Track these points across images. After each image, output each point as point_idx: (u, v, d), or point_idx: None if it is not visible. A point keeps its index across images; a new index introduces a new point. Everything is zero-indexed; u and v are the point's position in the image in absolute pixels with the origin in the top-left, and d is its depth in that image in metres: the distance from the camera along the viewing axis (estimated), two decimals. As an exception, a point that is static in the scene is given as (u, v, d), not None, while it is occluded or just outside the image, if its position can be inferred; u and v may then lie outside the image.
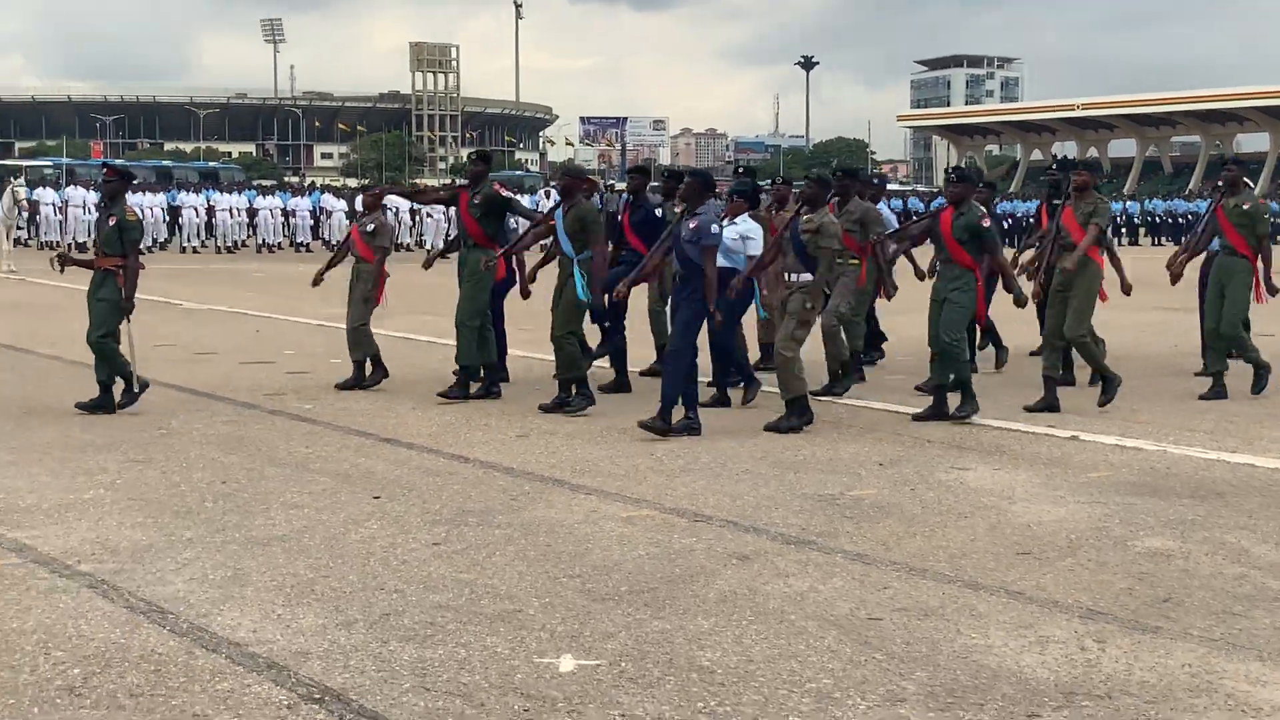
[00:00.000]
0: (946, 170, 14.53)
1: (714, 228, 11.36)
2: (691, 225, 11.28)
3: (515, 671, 5.82)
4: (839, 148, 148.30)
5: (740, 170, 14.92)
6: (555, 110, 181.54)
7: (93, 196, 43.13)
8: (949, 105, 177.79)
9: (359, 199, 15.18)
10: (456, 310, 13.14)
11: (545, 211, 14.69)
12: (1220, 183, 14.34)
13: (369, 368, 13.69)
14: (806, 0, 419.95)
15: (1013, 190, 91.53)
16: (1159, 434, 11.55)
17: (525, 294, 13.60)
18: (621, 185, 27.75)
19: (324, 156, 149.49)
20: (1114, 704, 5.55)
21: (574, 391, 12.32)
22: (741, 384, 12.91)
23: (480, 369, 13.20)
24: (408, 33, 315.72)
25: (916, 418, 12.00)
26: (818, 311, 11.93)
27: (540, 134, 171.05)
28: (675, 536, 8.16)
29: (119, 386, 11.98)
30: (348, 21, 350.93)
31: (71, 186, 46.66)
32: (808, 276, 11.67)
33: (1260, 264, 13.54)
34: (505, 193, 13.60)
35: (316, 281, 14.41)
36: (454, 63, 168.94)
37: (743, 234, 12.35)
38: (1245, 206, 13.48)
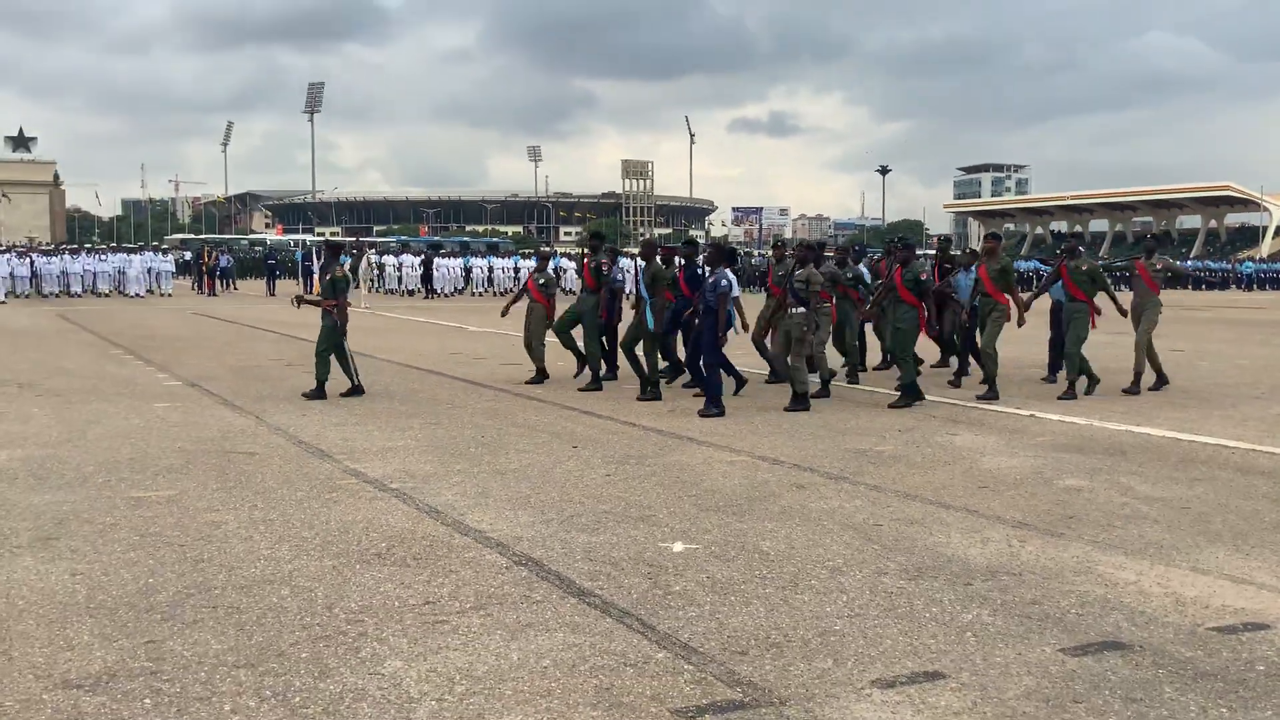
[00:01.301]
0: (894, 240, 14.08)
1: (724, 281, 11.37)
2: (710, 280, 11.36)
3: (645, 550, 6.11)
4: (904, 226, 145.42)
5: (836, 240, 14.93)
6: (715, 202, 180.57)
7: (416, 259, 44.18)
8: (980, 197, 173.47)
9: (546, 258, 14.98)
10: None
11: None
12: (1062, 250, 13.39)
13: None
14: (884, 129, 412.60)
15: (1022, 253, 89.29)
16: (1089, 414, 11.41)
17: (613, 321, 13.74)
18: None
19: (565, 234, 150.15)
20: (1021, 578, 5.69)
21: (650, 387, 12.31)
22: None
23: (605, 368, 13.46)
24: (620, 153, 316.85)
25: (891, 405, 11.76)
26: (811, 333, 11.70)
27: (705, 218, 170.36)
28: (758, 473, 8.32)
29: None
30: (582, 147, 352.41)
31: (405, 254, 47.75)
32: (801, 310, 11.61)
33: (1099, 304, 12.79)
34: (605, 265, 13.52)
35: (504, 313, 14.63)
36: (650, 172, 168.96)
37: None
38: (1084, 268, 12.75)
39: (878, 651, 4.59)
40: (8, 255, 38.19)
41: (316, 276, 40.89)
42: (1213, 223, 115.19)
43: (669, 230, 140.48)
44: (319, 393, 12.05)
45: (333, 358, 12.21)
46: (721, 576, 5.63)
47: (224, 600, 5.19)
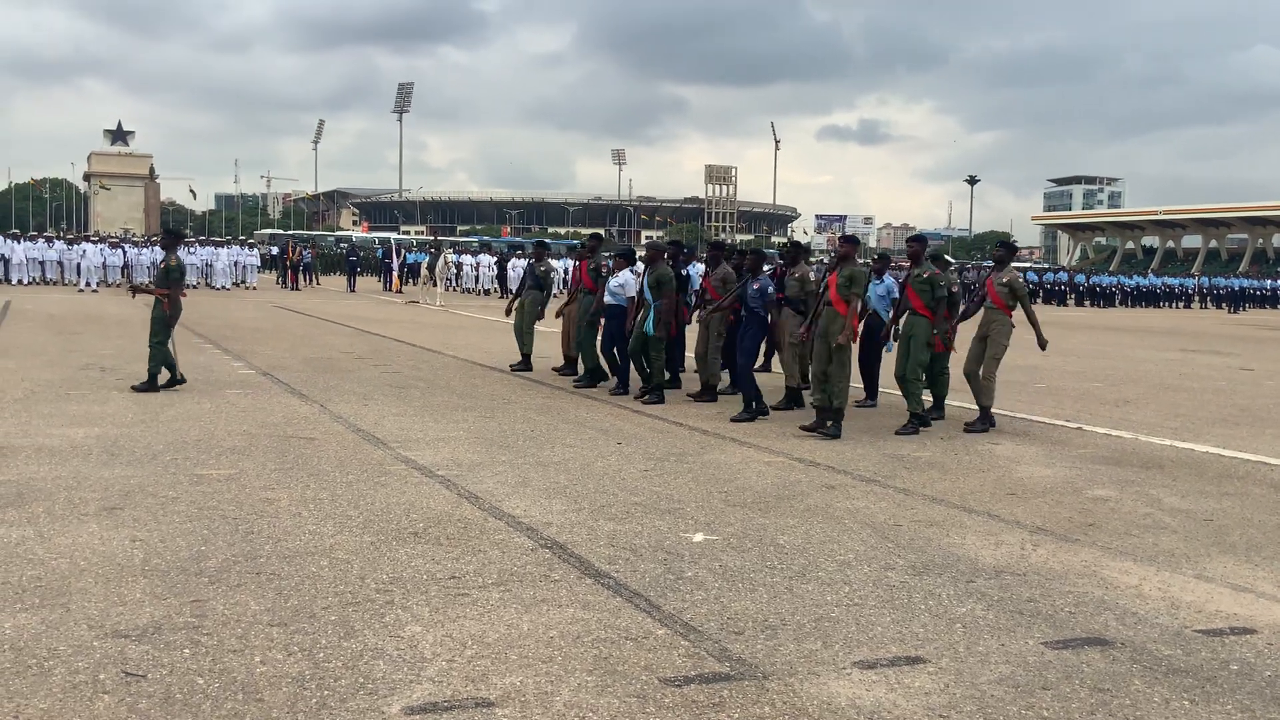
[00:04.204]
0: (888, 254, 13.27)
1: (770, 289, 11.27)
2: (754, 286, 11.31)
3: (665, 540, 6.43)
4: (990, 237, 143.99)
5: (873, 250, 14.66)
6: (799, 210, 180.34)
7: (492, 259, 44.85)
8: (1070, 210, 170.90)
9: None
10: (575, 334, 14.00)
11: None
12: (907, 258, 11.55)
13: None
14: (974, 139, 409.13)
15: (1111, 269, 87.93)
16: (1136, 428, 11.49)
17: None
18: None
19: (646, 238, 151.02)
20: (1025, 578, 5.91)
21: (652, 387, 12.35)
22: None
23: (597, 369, 13.59)
24: (704, 158, 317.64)
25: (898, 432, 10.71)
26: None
27: (788, 226, 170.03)
28: (792, 473, 8.59)
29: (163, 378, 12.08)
30: (666, 151, 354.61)
31: (484, 253, 48.42)
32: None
33: (944, 320, 11.10)
34: (604, 266, 13.69)
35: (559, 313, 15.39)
36: (734, 178, 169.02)
37: (621, 283, 12.60)
38: (925, 275, 10.91)
39: (866, 637, 4.87)
40: (101, 246, 39.64)
41: (396, 272, 42.01)
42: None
43: (750, 236, 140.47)
44: (150, 385, 11.89)
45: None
46: (734, 565, 5.94)
47: (267, 568, 5.63)
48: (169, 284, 12.04)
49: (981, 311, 11.41)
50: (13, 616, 4.79)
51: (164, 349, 11.99)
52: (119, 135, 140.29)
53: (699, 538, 6.50)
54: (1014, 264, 11.81)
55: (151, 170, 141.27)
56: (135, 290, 13.23)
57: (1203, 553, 6.56)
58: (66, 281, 37.86)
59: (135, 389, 11.92)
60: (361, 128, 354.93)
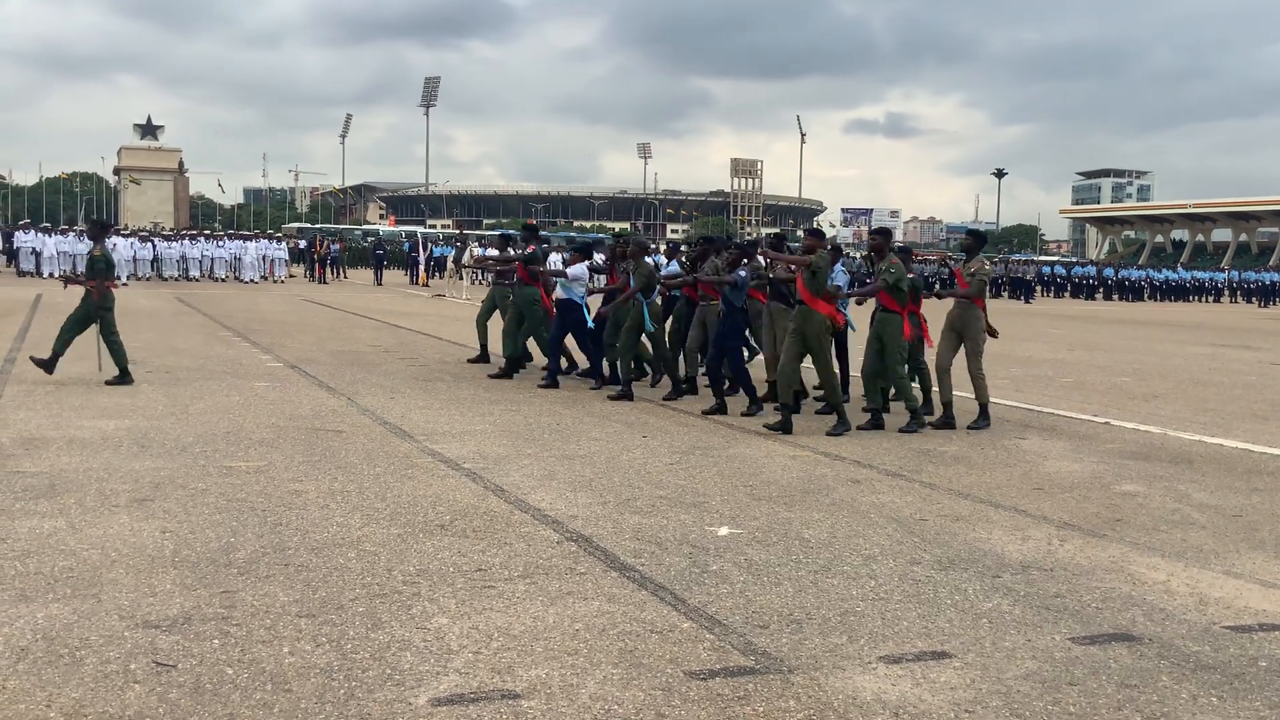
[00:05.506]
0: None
1: (745, 280, 11.04)
2: (741, 275, 11.09)
3: (690, 533, 6.44)
4: (1018, 231, 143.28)
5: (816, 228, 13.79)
6: (825, 203, 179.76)
7: (513, 251, 44.89)
8: (1099, 203, 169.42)
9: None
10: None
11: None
12: (870, 252, 11.37)
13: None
14: (1002, 132, 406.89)
15: (1140, 263, 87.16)
16: (1165, 423, 11.40)
17: (599, 319, 12.93)
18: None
19: (672, 231, 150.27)
20: (1052, 573, 5.88)
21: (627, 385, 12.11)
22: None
23: (522, 359, 13.74)
24: (730, 151, 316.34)
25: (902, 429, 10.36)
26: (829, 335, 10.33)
27: (814, 219, 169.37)
28: (817, 467, 8.57)
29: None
30: (692, 145, 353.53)
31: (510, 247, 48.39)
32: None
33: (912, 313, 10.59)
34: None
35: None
36: (759, 171, 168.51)
37: (575, 276, 12.74)
38: (890, 269, 10.32)
39: (892, 631, 4.86)
40: (131, 240, 39.94)
41: (422, 266, 42.13)
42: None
43: (776, 230, 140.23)
44: (50, 364, 11.78)
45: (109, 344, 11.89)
46: (759, 559, 5.94)
47: (295, 559, 5.67)
48: (94, 275, 11.94)
49: (951, 304, 11.00)
50: (45, 607, 4.85)
51: (116, 338, 11.89)
52: (149, 129, 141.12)
53: (724, 531, 6.50)
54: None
55: (181, 164, 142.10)
56: (67, 281, 13.09)
57: (1231, 549, 6.51)
58: (97, 275, 38.15)
59: (108, 383, 11.72)
60: (390, 122, 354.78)
